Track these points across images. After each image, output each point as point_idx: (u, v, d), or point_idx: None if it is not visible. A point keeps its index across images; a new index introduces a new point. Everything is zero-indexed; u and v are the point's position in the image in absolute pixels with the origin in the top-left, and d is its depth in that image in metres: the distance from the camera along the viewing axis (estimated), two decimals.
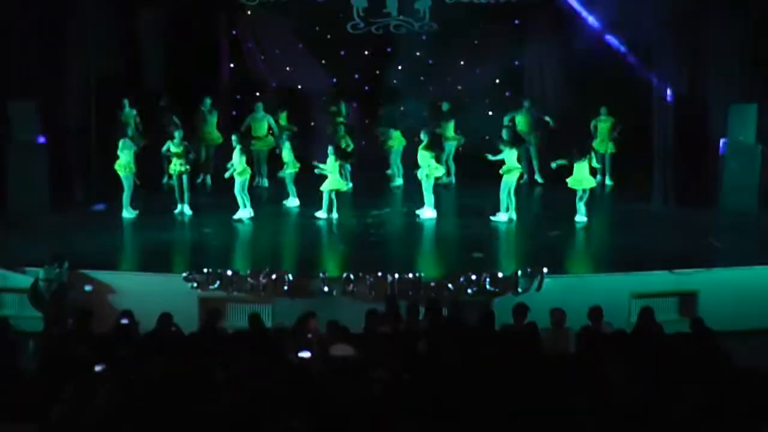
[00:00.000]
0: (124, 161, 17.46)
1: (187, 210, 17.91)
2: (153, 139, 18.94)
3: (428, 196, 17.56)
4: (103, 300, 14.06)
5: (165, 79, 20.86)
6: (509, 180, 17.12)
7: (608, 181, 20.11)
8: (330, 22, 21.33)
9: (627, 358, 9.96)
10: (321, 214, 17.51)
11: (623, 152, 19.82)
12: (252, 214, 17.61)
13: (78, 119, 18.60)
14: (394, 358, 10.15)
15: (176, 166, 17.80)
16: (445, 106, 20.28)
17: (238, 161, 17.39)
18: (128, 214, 17.60)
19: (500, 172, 17.15)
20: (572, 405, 8.58)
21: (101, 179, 18.53)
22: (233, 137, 17.72)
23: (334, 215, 17.54)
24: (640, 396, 8.83)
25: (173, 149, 17.77)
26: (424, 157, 17.41)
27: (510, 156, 17.08)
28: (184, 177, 17.85)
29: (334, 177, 17.45)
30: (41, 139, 17.80)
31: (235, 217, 17.49)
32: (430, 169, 17.39)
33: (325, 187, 17.42)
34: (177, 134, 17.93)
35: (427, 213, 17.67)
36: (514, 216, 17.34)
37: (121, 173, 17.46)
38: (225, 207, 17.84)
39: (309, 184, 18.08)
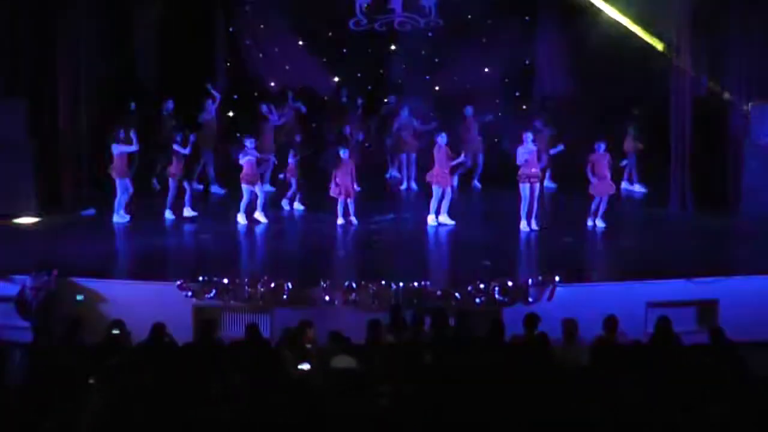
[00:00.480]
0: (119, 165, 17.26)
1: (190, 212, 17.71)
2: (150, 140, 18.83)
3: (435, 202, 17.15)
4: (93, 309, 13.82)
5: (160, 79, 20.71)
6: (536, 187, 16.76)
7: (632, 187, 19.66)
8: (331, 19, 21.22)
9: (643, 369, 9.84)
10: (354, 219, 17.30)
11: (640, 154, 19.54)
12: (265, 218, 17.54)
13: (70, 120, 18.24)
14: (398, 369, 10.01)
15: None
16: (468, 111, 19.83)
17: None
18: (120, 218, 17.44)
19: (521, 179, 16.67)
20: (585, 419, 8.47)
21: (93, 183, 18.39)
22: (247, 142, 17.46)
23: (340, 221, 17.29)
24: (656, 409, 8.68)
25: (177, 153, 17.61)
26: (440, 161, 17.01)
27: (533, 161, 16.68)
28: (184, 181, 17.72)
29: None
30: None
31: (254, 217, 17.42)
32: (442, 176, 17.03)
33: (349, 194, 17.20)
34: (179, 138, 17.78)
35: (439, 219, 17.24)
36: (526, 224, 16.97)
37: (116, 177, 17.26)
38: (221, 212, 17.85)
39: (310, 187, 17.96)
